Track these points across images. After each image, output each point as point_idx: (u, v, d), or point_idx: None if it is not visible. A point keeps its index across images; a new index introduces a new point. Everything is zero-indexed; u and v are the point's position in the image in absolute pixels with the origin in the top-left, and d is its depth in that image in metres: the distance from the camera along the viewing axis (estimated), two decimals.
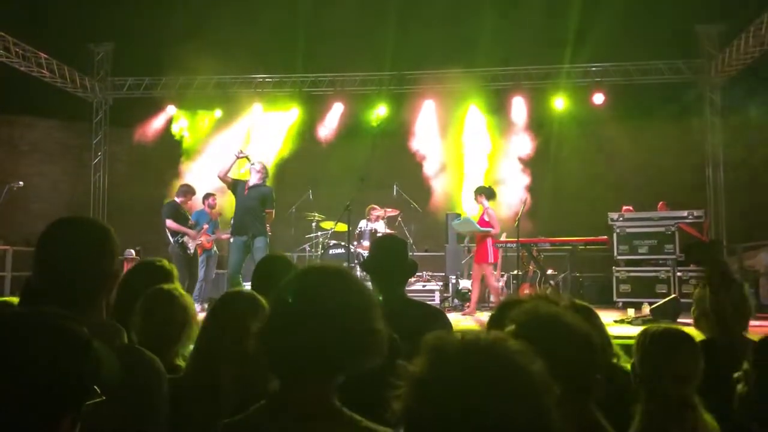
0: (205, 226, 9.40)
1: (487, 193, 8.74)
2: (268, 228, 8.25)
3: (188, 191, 9.39)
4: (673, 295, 8.06)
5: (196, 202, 9.80)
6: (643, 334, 2.22)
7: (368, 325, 1.44)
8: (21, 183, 8.61)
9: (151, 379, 1.70)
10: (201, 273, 9.34)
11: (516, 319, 1.51)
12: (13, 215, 10.21)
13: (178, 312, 2.45)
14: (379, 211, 10.39)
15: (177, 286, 2.66)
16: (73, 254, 1.68)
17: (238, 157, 8.17)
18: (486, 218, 8.54)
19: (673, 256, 9.33)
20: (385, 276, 3.05)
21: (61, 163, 13.59)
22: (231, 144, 11.33)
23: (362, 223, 10.33)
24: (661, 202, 10.43)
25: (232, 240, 8.11)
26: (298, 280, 1.52)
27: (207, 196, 9.73)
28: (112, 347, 1.53)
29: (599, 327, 2.24)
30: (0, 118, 12.96)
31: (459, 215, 10.85)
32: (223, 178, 8.03)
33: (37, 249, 1.70)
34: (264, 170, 8.13)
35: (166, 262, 2.88)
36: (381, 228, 10.45)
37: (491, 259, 8.43)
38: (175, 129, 13.14)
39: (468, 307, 8.87)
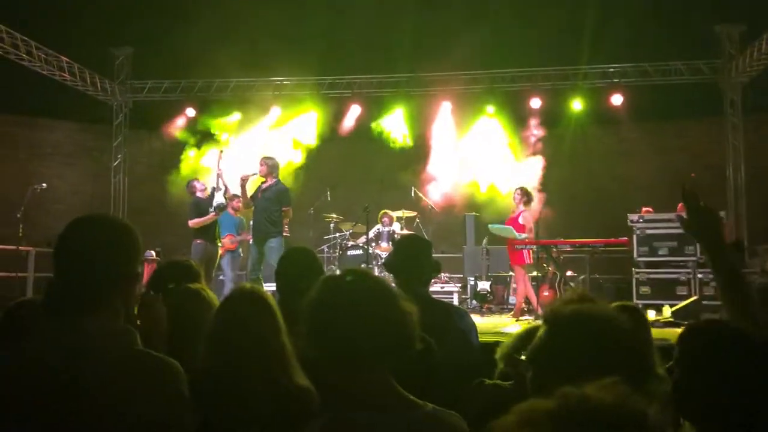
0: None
1: (528, 196, 8.78)
2: (286, 228, 8.23)
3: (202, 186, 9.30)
4: (694, 297, 7.99)
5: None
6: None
7: (402, 310, 1.53)
8: (44, 185, 8.72)
9: (170, 384, 1.63)
10: (229, 272, 9.35)
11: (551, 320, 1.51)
12: (35, 216, 10.31)
13: (205, 311, 2.47)
14: (391, 216, 10.43)
15: (204, 286, 2.69)
16: (88, 253, 1.60)
17: (244, 181, 8.15)
18: (521, 221, 8.53)
19: (694, 258, 9.23)
20: (407, 276, 3.07)
21: (81, 166, 13.73)
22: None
23: (377, 227, 10.36)
24: (680, 203, 10.31)
25: (250, 241, 8.15)
26: (332, 282, 1.60)
27: (232, 198, 9.71)
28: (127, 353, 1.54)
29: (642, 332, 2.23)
30: (22, 120, 13.12)
31: (476, 216, 10.86)
32: (247, 205, 8.09)
33: (55, 247, 1.64)
34: (269, 168, 8.03)
35: (193, 262, 2.92)
36: (397, 230, 10.47)
37: (527, 260, 8.47)
38: (194, 132, 13.23)
39: (488, 308, 8.87)
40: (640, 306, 9.01)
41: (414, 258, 3.06)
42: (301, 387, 2.02)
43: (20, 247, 9.05)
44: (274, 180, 7.97)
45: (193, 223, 8.74)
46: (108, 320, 1.57)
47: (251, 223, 8.56)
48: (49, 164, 13.23)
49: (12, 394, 1.42)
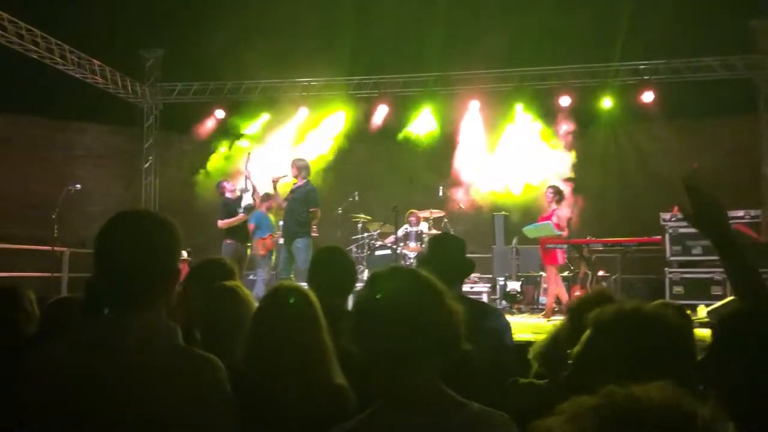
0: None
1: (560, 195, 8.70)
2: (314, 228, 8.26)
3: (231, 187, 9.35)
4: (731, 297, 7.83)
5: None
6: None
7: (446, 308, 1.52)
8: (78, 185, 8.86)
9: (211, 380, 1.62)
10: (262, 272, 9.41)
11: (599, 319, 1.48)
12: (68, 218, 10.48)
13: (242, 308, 2.49)
14: (418, 216, 10.39)
15: (240, 284, 2.70)
16: (131, 249, 1.56)
17: (275, 183, 8.21)
18: (555, 220, 8.46)
19: None
20: (440, 274, 3.04)
21: (113, 167, 13.93)
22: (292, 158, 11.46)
23: (405, 227, 10.33)
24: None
25: (280, 241, 8.22)
26: (380, 280, 1.59)
27: (266, 197, 9.76)
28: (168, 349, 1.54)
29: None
30: (57, 123, 13.35)
31: (505, 216, 10.78)
32: (280, 207, 8.17)
33: (96, 243, 1.59)
34: (298, 170, 8.08)
35: (228, 261, 2.94)
36: (425, 229, 10.44)
37: (561, 261, 8.40)
38: (223, 133, 13.34)
39: (518, 308, 8.80)
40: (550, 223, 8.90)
41: (448, 255, 3.04)
42: (338, 386, 2.02)
43: (55, 248, 9.20)
44: (304, 181, 8.03)
45: (222, 223, 8.81)
46: (150, 316, 1.55)
47: (281, 223, 8.62)
48: (82, 166, 13.43)
49: (52, 393, 1.43)
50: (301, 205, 7.93)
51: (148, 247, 1.58)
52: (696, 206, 1.95)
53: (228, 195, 9.11)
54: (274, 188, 8.32)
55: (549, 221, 8.47)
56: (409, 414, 1.43)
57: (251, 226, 9.42)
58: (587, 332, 1.48)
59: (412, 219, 10.38)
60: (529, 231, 8.82)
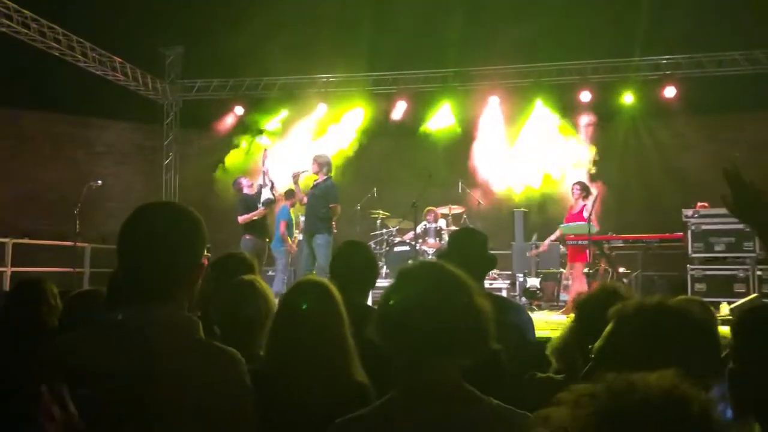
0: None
1: (587, 190, 8.63)
2: (333, 225, 8.25)
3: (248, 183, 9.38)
4: (755, 294, 7.73)
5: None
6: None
7: (475, 305, 1.51)
8: (99, 182, 8.93)
9: (232, 373, 1.61)
10: (281, 268, 9.51)
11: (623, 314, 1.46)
12: (90, 214, 10.59)
13: (261, 302, 2.49)
14: (436, 213, 10.36)
15: (259, 278, 2.70)
16: (157, 242, 1.54)
17: (296, 178, 8.22)
18: (586, 214, 8.39)
19: (753, 254, 8.92)
20: (462, 269, 3.02)
21: (134, 164, 14.05)
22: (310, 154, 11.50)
23: (423, 224, 10.29)
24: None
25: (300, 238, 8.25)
26: (410, 274, 1.59)
27: (290, 195, 9.70)
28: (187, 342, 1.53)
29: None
30: (78, 120, 13.49)
31: (524, 212, 10.71)
32: (301, 201, 8.17)
33: (120, 235, 1.56)
34: (319, 166, 8.07)
35: (248, 255, 2.94)
36: (443, 226, 10.40)
37: (589, 258, 8.33)
38: (242, 130, 13.40)
39: (538, 305, 8.74)
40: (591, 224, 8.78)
41: (470, 250, 3.01)
42: (360, 384, 2.01)
43: (77, 243, 9.30)
44: (325, 177, 8.00)
45: (242, 219, 8.84)
46: (172, 310, 1.53)
47: (301, 218, 8.64)
48: (103, 163, 13.57)
49: (72, 383, 1.42)
50: (322, 201, 7.90)
51: (172, 240, 1.55)
52: (736, 194, 1.91)
53: (246, 191, 9.14)
54: (295, 183, 8.32)
55: (585, 222, 8.33)
56: (424, 406, 1.42)
57: (283, 223, 9.50)
58: (609, 326, 1.45)
59: (430, 216, 10.35)
60: (569, 229, 8.64)
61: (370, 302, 3.59)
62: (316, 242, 7.77)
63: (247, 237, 8.82)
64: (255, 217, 8.80)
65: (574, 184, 8.84)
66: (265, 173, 9.03)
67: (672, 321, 1.42)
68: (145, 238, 1.54)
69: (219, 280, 2.66)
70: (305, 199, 8.19)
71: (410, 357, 1.49)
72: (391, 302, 1.55)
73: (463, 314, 1.48)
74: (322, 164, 8.02)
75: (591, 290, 2.12)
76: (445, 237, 10.34)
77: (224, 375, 1.54)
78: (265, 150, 9.55)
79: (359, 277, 2.98)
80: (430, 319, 1.45)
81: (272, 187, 8.93)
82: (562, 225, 8.84)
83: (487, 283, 9.83)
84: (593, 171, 10.93)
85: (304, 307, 2.17)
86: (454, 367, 1.48)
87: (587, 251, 8.32)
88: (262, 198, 8.84)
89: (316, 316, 2.14)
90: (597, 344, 1.50)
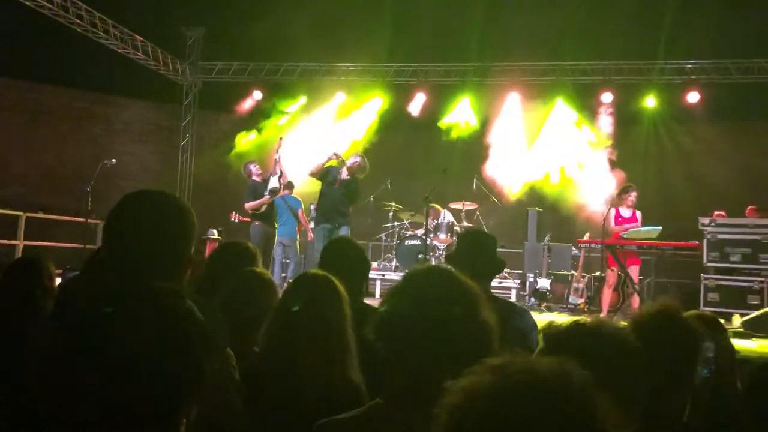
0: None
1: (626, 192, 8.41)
2: None
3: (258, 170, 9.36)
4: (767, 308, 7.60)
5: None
6: None
7: (479, 317, 1.48)
8: (114, 160, 8.95)
9: (221, 372, 1.60)
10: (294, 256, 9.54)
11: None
12: (104, 191, 10.62)
13: (265, 296, 2.44)
14: (438, 211, 10.27)
15: (261, 269, 2.67)
16: (144, 231, 1.47)
17: (330, 159, 8.21)
18: (638, 215, 8.23)
19: None
20: (469, 271, 2.97)
21: (151, 143, 14.10)
22: (326, 142, 11.49)
23: (432, 222, 10.20)
24: (750, 207, 9.86)
25: (316, 227, 8.18)
26: (416, 280, 1.55)
27: (290, 185, 9.80)
28: None
29: (724, 345, 2.10)
30: (97, 97, 13.54)
31: (539, 212, 10.61)
32: (314, 174, 8.15)
33: (108, 221, 1.50)
34: (354, 167, 8.11)
35: (251, 245, 2.90)
36: (451, 217, 10.28)
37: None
38: (260, 114, 13.39)
39: (547, 306, 8.66)
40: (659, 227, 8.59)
41: (477, 253, 2.98)
42: (354, 383, 1.96)
43: (89, 220, 9.33)
44: (351, 176, 8.09)
45: (248, 206, 8.85)
46: None
47: (311, 207, 8.64)
48: (120, 141, 13.62)
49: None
50: (346, 200, 8.11)
51: (158, 230, 1.49)
52: None
53: (255, 178, 9.10)
54: (327, 161, 8.26)
55: (657, 227, 8.06)
56: (407, 413, 1.38)
57: (301, 211, 9.52)
58: (540, 344, 1.41)
59: (433, 213, 10.16)
60: (640, 233, 8.15)
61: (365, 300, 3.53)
62: (342, 233, 7.81)
63: (256, 224, 8.82)
64: (260, 205, 8.78)
65: (632, 190, 8.46)
66: (276, 161, 9.00)
67: (601, 349, 1.35)
68: (130, 228, 1.48)
69: (219, 270, 2.63)
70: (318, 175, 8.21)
71: (405, 364, 1.45)
72: (393, 306, 1.52)
73: (466, 328, 1.44)
74: (361, 166, 8.09)
75: (649, 311, 2.08)
76: (458, 233, 10.28)
77: (214, 373, 1.49)
78: (281, 139, 9.51)
79: (349, 273, 2.91)
80: (431, 330, 1.42)
81: (281, 176, 8.89)
82: (624, 234, 8.22)
83: (496, 282, 9.79)
84: (610, 173, 10.77)
85: (295, 308, 2.11)
86: (447, 378, 1.44)
87: (638, 253, 8.13)
88: (269, 186, 8.82)
89: (318, 311, 2.09)
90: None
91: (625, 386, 1.30)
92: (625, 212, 8.35)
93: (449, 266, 3.12)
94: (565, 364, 0.93)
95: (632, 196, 8.38)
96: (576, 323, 1.44)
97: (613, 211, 8.36)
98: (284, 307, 2.17)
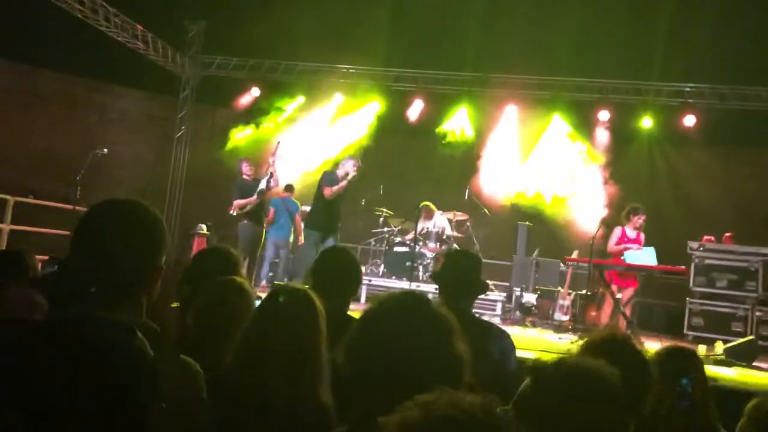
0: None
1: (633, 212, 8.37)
2: None
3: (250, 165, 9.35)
4: (750, 337, 7.63)
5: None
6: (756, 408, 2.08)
7: (451, 350, 1.47)
8: (105, 150, 8.90)
9: (186, 386, 1.55)
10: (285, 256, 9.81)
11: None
12: (97, 179, 10.57)
13: (241, 306, 2.40)
14: (431, 210, 10.24)
15: (243, 280, 2.63)
16: (116, 241, 1.45)
17: (348, 173, 8.12)
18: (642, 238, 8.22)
19: (755, 295, 8.84)
20: (453, 291, 3.03)
21: (145, 134, 14.03)
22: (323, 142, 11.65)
23: (423, 223, 10.16)
24: (726, 234, 9.91)
25: (307, 230, 8.15)
26: (391, 307, 1.54)
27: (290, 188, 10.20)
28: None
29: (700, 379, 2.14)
30: (94, 84, 13.48)
31: (528, 226, 10.61)
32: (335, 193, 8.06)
33: (75, 232, 1.47)
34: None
35: (233, 251, 2.88)
36: (447, 229, 10.29)
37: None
38: (257, 111, 13.36)
39: (531, 321, 8.67)
40: (690, 337, 8.69)
41: (462, 274, 3.03)
42: (323, 404, 1.94)
43: (77, 207, 9.27)
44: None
45: (235, 203, 8.85)
46: (129, 315, 1.44)
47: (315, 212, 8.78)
48: (115, 130, 13.56)
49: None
50: (341, 209, 8.16)
51: (127, 240, 1.47)
52: None
53: (244, 176, 9.09)
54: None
55: (652, 250, 7.93)
56: None
57: (298, 215, 9.66)
58: (526, 380, 1.42)
59: (425, 214, 10.13)
60: (633, 258, 7.96)
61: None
62: (330, 244, 7.70)
63: (244, 222, 8.80)
64: (246, 205, 8.77)
65: (641, 213, 8.34)
66: (271, 163, 8.97)
67: (586, 386, 1.36)
68: (98, 237, 1.46)
69: (199, 275, 2.60)
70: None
71: (372, 392, 1.43)
72: (364, 331, 1.50)
73: (436, 359, 1.42)
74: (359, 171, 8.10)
75: (668, 350, 2.12)
76: (447, 243, 10.27)
77: (176, 388, 1.46)
78: (279, 141, 9.48)
79: (340, 283, 2.91)
80: (400, 360, 1.40)
81: (271, 177, 8.86)
82: (628, 254, 8.10)
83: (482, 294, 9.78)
84: (602, 192, 10.82)
85: (280, 299, 2.09)
86: None
87: (636, 275, 8.12)
88: (259, 187, 8.81)
89: (293, 327, 2.04)
90: (515, 400, 1.45)
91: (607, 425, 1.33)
92: (631, 233, 8.35)
93: (434, 280, 3.13)
94: (489, 399, 1.00)
95: (641, 218, 8.33)
96: (561, 361, 1.45)
97: (618, 230, 8.36)
98: (258, 319, 2.14)
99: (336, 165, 8.23)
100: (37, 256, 3.42)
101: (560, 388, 1.35)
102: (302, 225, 9.35)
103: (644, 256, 7.87)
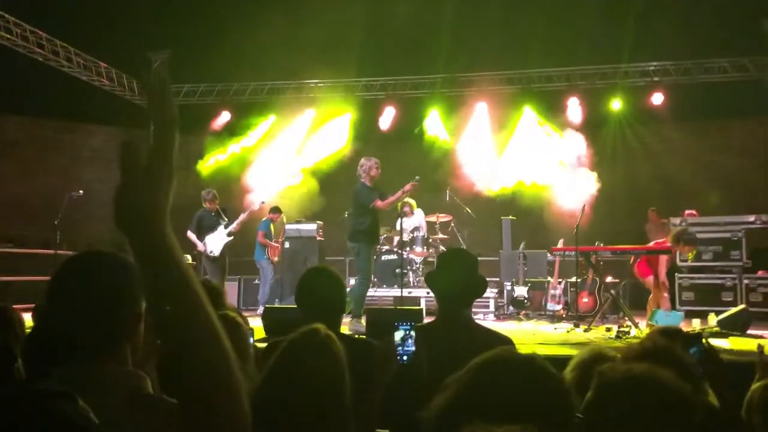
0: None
1: None
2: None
3: (214, 197, 9.35)
4: (742, 306, 7.70)
5: (263, 212, 10.35)
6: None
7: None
8: (81, 191, 8.82)
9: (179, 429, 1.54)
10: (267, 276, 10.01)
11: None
12: (77, 221, 10.47)
13: (241, 346, 2.33)
14: (411, 205, 10.20)
15: (236, 314, 2.60)
16: (97, 295, 1.43)
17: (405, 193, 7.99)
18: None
19: (740, 263, 8.94)
20: (448, 295, 2.88)
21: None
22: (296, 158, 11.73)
23: (406, 222, 10.06)
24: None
25: (370, 246, 7.89)
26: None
27: (276, 210, 10.45)
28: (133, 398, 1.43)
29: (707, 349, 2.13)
30: (63, 125, 13.37)
31: (512, 220, 10.65)
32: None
33: (52, 289, 1.46)
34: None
35: (215, 283, 2.85)
36: (420, 220, 10.22)
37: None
38: (229, 134, 13.32)
39: (525, 314, 8.69)
40: (684, 313, 8.63)
41: (458, 276, 2.86)
42: None
43: (58, 252, 9.18)
44: (360, 182, 8.00)
45: (189, 234, 8.91)
46: (114, 365, 1.43)
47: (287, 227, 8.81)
48: (90, 168, 13.43)
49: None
50: (355, 209, 7.81)
51: (115, 291, 1.46)
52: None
53: (206, 206, 9.13)
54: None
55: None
56: None
57: (261, 233, 9.67)
58: (590, 393, 1.37)
59: (406, 208, 10.00)
60: (662, 317, 7.11)
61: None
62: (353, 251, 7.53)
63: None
64: (195, 242, 8.97)
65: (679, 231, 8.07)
66: (244, 212, 9.23)
67: (657, 397, 1.32)
68: (75, 293, 1.45)
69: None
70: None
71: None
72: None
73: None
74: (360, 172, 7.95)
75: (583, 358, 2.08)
76: (434, 245, 10.28)
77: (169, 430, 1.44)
78: (262, 203, 9.93)
79: (326, 306, 2.80)
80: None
81: (227, 226, 8.97)
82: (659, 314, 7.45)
83: None
84: (580, 178, 10.88)
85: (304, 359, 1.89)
86: None
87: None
88: (222, 227, 9.03)
89: (313, 383, 1.80)
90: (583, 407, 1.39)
91: None
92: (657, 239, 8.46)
93: (428, 284, 3.02)
94: None
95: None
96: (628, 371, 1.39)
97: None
98: (272, 376, 1.88)
99: (358, 176, 8.04)
100: (21, 305, 3.38)
101: (634, 401, 1.31)
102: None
103: (674, 319, 7.04)
